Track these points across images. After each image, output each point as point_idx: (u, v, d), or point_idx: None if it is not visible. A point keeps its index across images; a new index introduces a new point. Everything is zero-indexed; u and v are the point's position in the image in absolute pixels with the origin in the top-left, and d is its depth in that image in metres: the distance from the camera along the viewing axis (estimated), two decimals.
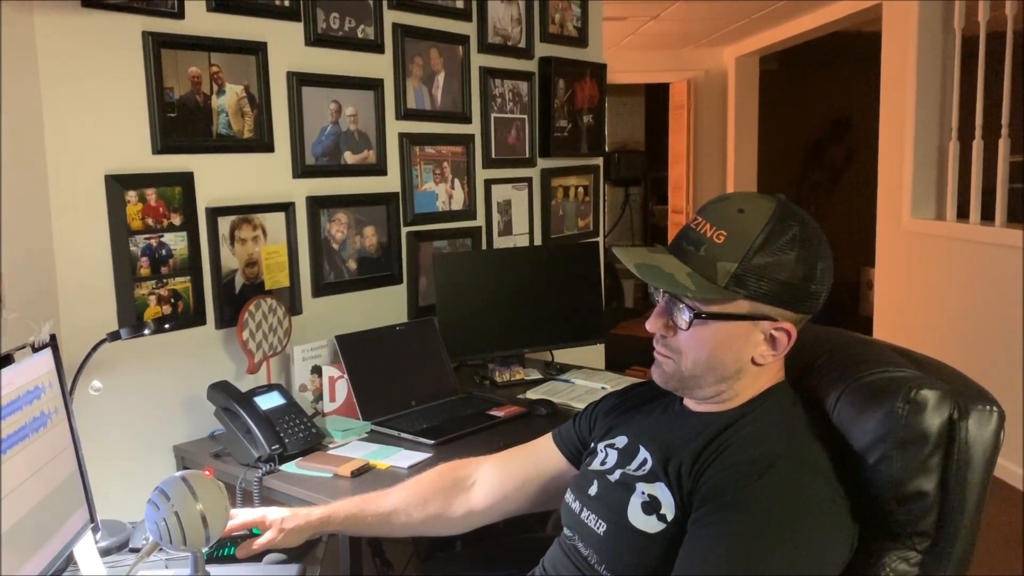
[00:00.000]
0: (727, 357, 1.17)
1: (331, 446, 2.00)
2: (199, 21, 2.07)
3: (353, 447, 2.00)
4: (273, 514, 1.46)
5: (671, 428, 1.24)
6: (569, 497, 1.33)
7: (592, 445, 1.37)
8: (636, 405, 1.37)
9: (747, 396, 1.20)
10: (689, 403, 1.27)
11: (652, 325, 1.21)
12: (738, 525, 1.05)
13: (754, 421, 1.16)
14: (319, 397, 2.25)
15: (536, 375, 2.60)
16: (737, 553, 1.04)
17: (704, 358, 1.17)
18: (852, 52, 6.53)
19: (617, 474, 1.25)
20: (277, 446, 1.88)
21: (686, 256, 1.15)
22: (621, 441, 1.30)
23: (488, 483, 1.50)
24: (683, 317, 1.16)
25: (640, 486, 1.19)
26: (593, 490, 1.27)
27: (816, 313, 1.18)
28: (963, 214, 4.15)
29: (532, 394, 2.38)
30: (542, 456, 1.48)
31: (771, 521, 1.04)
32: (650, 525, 1.15)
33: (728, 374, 1.18)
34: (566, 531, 1.31)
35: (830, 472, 1.10)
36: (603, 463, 1.30)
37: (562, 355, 2.79)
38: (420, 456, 1.92)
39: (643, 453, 1.23)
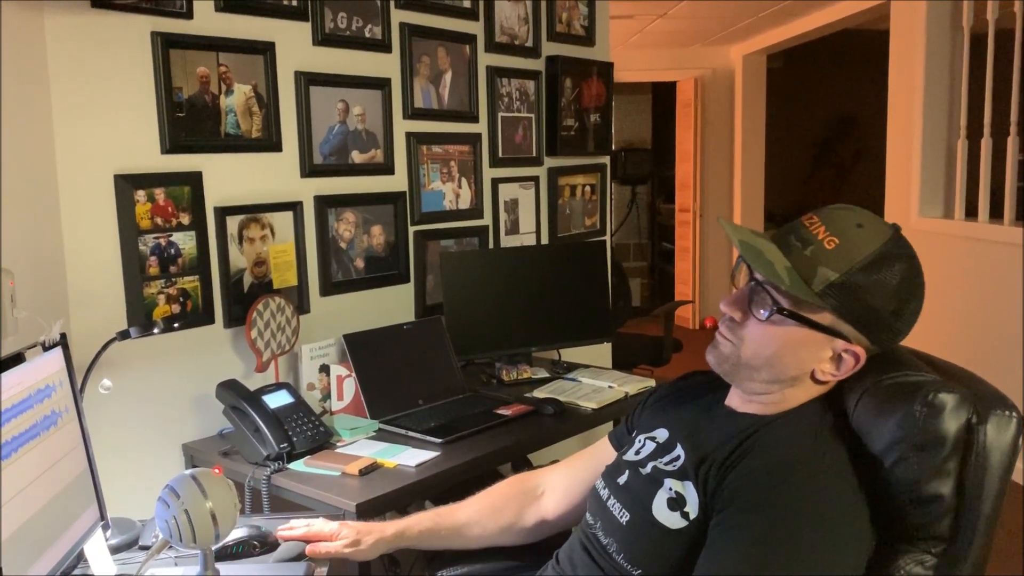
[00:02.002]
0: (790, 362, 1.16)
1: (339, 444, 2.01)
2: (207, 21, 2.08)
3: (361, 445, 2.00)
4: (349, 525, 1.48)
5: (710, 428, 1.23)
6: (599, 483, 1.33)
7: (633, 434, 1.37)
8: (684, 399, 1.36)
9: (792, 404, 1.19)
10: (732, 402, 1.26)
11: (728, 307, 1.19)
12: (759, 528, 1.05)
13: (782, 426, 1.15)
14: (327, 396, 2.26)
15: (543, 374, 2.60)
16: (757, 555, 1.04)
17: (767, 355, 1.16)
18: (860, 50, 6.51)
19: (649, 467, 1.24)
20: (285, 444, 1.89)
21: (790, 250, 1.14)
22: (662, 435, 1.29)
23: (557, 491, 1.50)
24: (764, 308, 1.14)
25: (668, 482, 1.19)
26: (623, 479, 1.28)
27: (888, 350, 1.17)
28: (971, 213, 4.13)
29: (539, 393, 2.39)
30: (602, 458, 1.46)
31: (792, 525, 1.04)
32: (673, 521, 1.15)
33: (783, 378, 1.17)
34: (588, 517, 1.31)
35: (852, 478, 1.09)
36: (637, 453, 1.30)
37: (569, 354, 2.79)
38: (428, 455, 1.93)
39: (678, 450, 1.23)
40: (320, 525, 1.48)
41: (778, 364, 1.16)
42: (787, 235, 1.16)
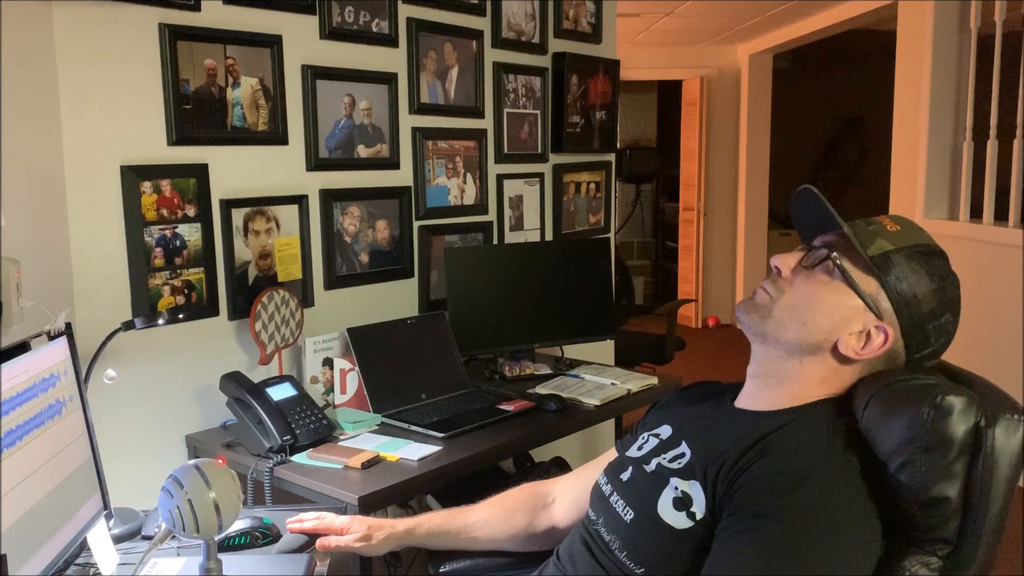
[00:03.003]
0: (821, 321, 1.17)
1: (341, 438, 2.01)
2: (215, 13, 2.08)
3: (363, 439, 2.01)
4: (359, 520, 1.49)
5: (717, 426, 1.23)
6: (601, 479, 1.32)
7: (636, 432, 1.37)
8: (689, 401, 1.36)
9: (800, 397, 1.19)
10: (743, 400, 1.26)
11: (779, 259, 1.22)
12: (770, 535, 1.04)
13: (796, 431, 1.14)
14: (330, 389, 2.26)
15: (546, 370, 2.60)
16: (766, 562, 1.03)
17: (803, 307, 1.18)
18: (866, 50, 6.51)
19: (653, 464, 1.24)
20: (288, 437, 1.89)
21: (853, 224, 1.18)
22: (665, 431, 1.29)
23: (567, 498, 1.50)
24: (815, 255, 1.18)
25: (674, 480, 1.18)
26: (626, 476, 1.27)
27: (908, 360, 1.19)
28: (976, 214, 4.13)
29: (541, 389, 2.39)
30: None
31: (804, 534, 1.04)
32: (678, 521, 1.14)
33: (809, 341, 1.18)
34: (590, 513, 1.31)
35: (864, 486, 1.08)
36: (640, 448, 1.30)
37: (572, 351, 2.79)
38: (430, 449, 1.93)
39: (683, 447, 1.22)
40: (331, 519, 1.49)
41: (810, 320, 1.17)
42: (852, 220, 1.20)
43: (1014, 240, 3.73)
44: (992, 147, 3.99)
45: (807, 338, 1.18)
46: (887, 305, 1.15)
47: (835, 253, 1.17)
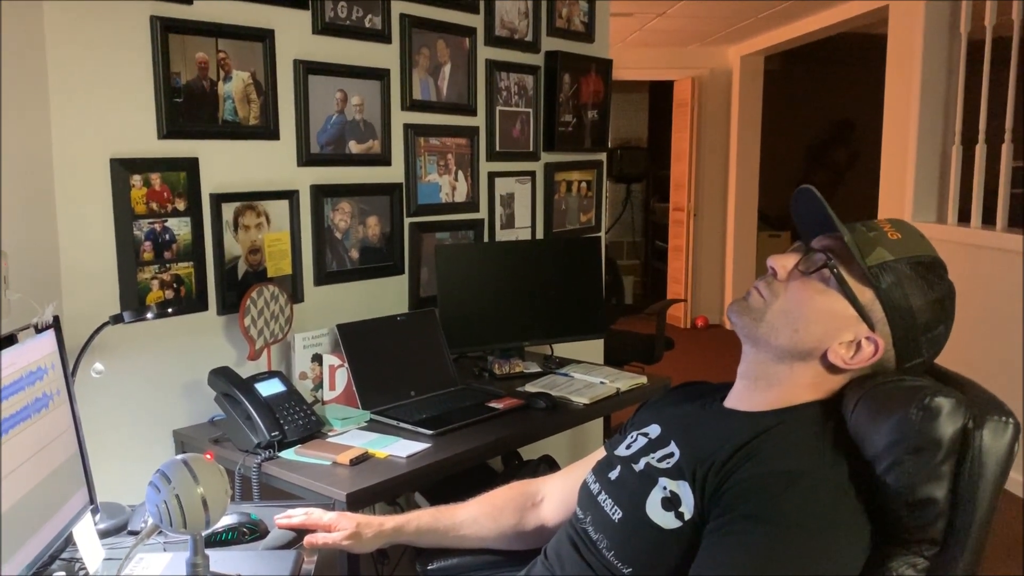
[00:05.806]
0: (814, 329, 1.17)
1: (330, 434, 2.01)
2: (207, 7, 2.07)
3: (352, 435, 2.00)
4: (347, 516, 1.48)
5: (706, 426, 1.23)
6: (590, 478, 1.32)
7: (625, 431, 1.37)
8: (678, 401, 1.36)
9: (789, 400, 1.19)
10: (732, 400, 1.26)
11: (776, 260, 1.21)
12: (759, 537, 1.04)
13: (784, 433, 1.14)
14: (319, 385, 2.26)
15: (535, 368, 2.60)
16: (755, 564, 1.03)
17: (796, 313, 1.17)
18: (857, 53, 6.53)
19: (641, 463, 1.24)
20: (276, 433, 1.89)
21: (854, 230, 1.17)
22: (654, 431, 1.29)
23: (555, 497, 1.49)
24: (813, 261, 1.17)
25: (663, 480, 1.17)
26: (614, 475, 1.27)
27: (898, 369, 1.18)
28: (964, 218, 4.15)
29: (531, 387, 2.39)
30: None
31: (792, 536, 1.04)
32: (667, 521, 1.14)
33: (800, 348, 1.17)
34: (578, 512, 1.31)
35: (852, 488, 1.08)
36: (628, 447, 1.29)
37: (561, 349, 2.79)
38: (419, 446, 1.93)
39: (672, 447, 1.22)
40: (318, 514, 1.48)
41: (802, 328, 1.17)
42: (853, 222, 1.19)
43: (1002, 244, 3.76)
44: (981, 151, 4.01)
45: (798, 345, 1.18)
46: (881, 316, 1.15)
47: (833, 261, 1.16)
